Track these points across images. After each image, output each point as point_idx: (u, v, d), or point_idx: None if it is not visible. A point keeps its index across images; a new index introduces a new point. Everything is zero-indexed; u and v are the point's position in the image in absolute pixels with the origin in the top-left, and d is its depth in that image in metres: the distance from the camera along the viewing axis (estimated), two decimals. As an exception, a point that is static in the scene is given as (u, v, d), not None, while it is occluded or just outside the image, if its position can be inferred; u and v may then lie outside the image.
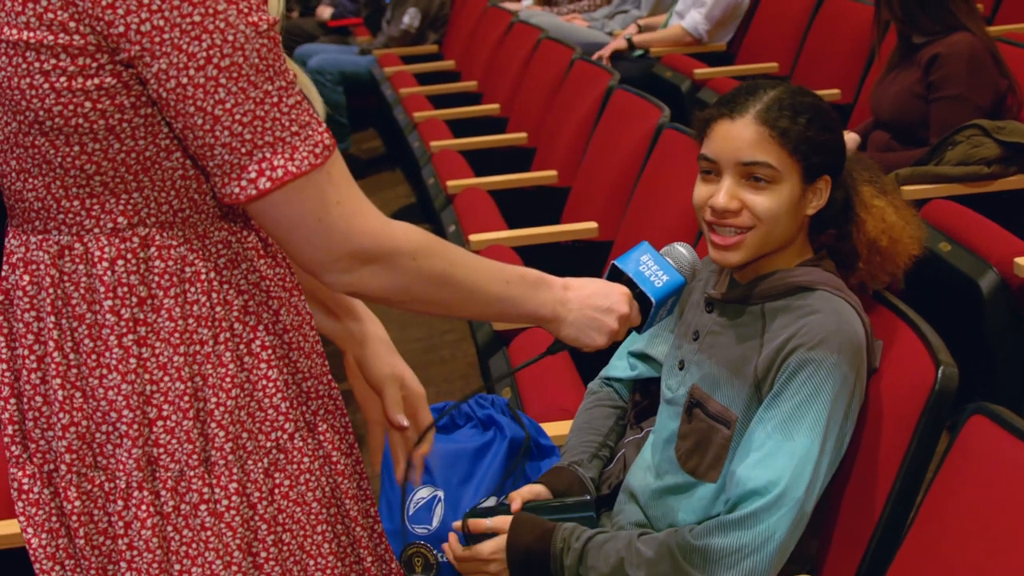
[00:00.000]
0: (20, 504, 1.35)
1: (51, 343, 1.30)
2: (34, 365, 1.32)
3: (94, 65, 1.21)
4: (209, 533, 1.32)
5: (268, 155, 1.23)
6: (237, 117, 1.21)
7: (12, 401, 1.35)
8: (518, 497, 1.90)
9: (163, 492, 1.31)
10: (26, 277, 1.31)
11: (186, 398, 1.30)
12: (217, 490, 1.32)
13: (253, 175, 1.23)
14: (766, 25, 5.58)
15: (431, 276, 1.36)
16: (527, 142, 4.66)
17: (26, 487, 1.34)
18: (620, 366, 2.15)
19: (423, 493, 1.95)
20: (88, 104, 1.22)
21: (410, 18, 6.83)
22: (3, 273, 1.36)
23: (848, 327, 1.73)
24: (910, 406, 1.73)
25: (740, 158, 1.76)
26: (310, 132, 1.25)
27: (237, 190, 1.24)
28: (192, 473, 1.31)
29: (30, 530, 1.34)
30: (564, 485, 1.96)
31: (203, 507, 1.32)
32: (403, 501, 1.95)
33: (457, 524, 1.88)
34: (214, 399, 1.32)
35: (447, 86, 5.86)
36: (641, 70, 5.49)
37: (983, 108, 3.45)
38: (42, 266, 1.30)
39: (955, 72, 3.47)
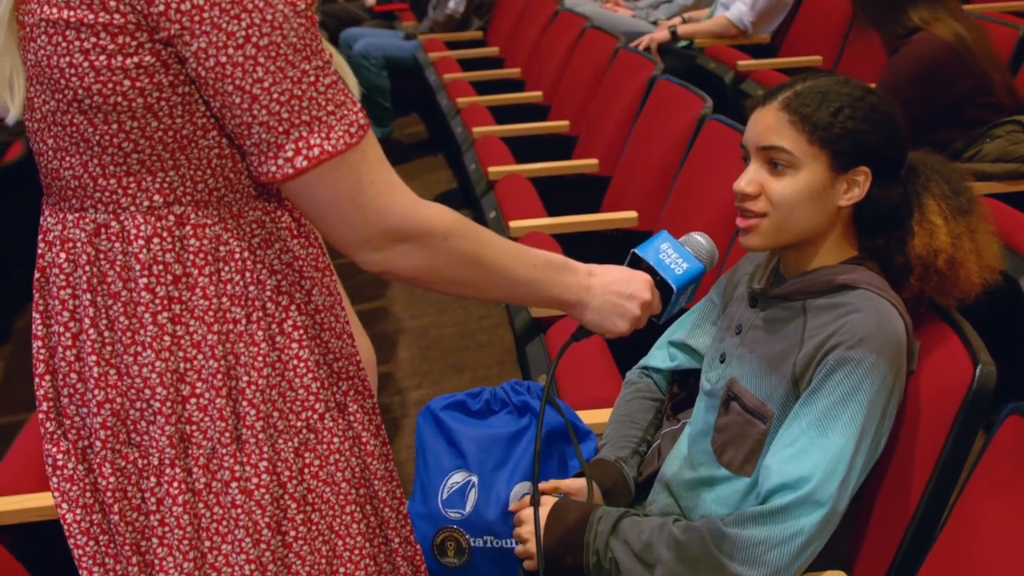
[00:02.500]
0: (55, 480, 1.36)
1: (87, 320, 1.32)
2: (69, 342, 1.34)
3: (133, 44, 1.22)
4: (239, 511, 1.33)
5: (305, 134, 1.24)
6: (275, 96, 1.22)
7: (47, 378, 1.37)
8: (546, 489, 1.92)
9: (195, 469, 1.32)
10: (63, 255, 1.33)
11: (219, 376, 1.32)
12: (248, 468, 1.34)
13: (290, 154, 1.24)
14: (811, 17, 5.55)
15: (462, 257, 1.38)
16: (569, 130, 4.66)
17: (60, 463, 1.36)
18: (660, 356, 2.15)
19: (457, 478, 1.95)
20: (127, 82, 1.23)
21: (455, 3, 6.84)
22: (39, 251, 1.37)
23: (889, 327, 1.72)
24: (947, 404, 1.72)
25: (760, 143, 1.78)
26: (345, 112, 1.27)
27: (274, 168, 1.25)
28: (224, 451, 1.32)
29: (64, 505, 1.36)
30: (610, 482, 1.97)
31: (234, 484, 1.33)
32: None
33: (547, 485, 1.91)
34: (246, 378, 1.33)
35: (490, 72, 5.86)
36: (685, 61, 5.48)
37: (906, 102, 3.41)
38: (79, 244, 1.32)
39: (893, 64, 3.49)
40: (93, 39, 1.22)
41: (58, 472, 1.36)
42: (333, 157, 1.25)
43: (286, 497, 1.36)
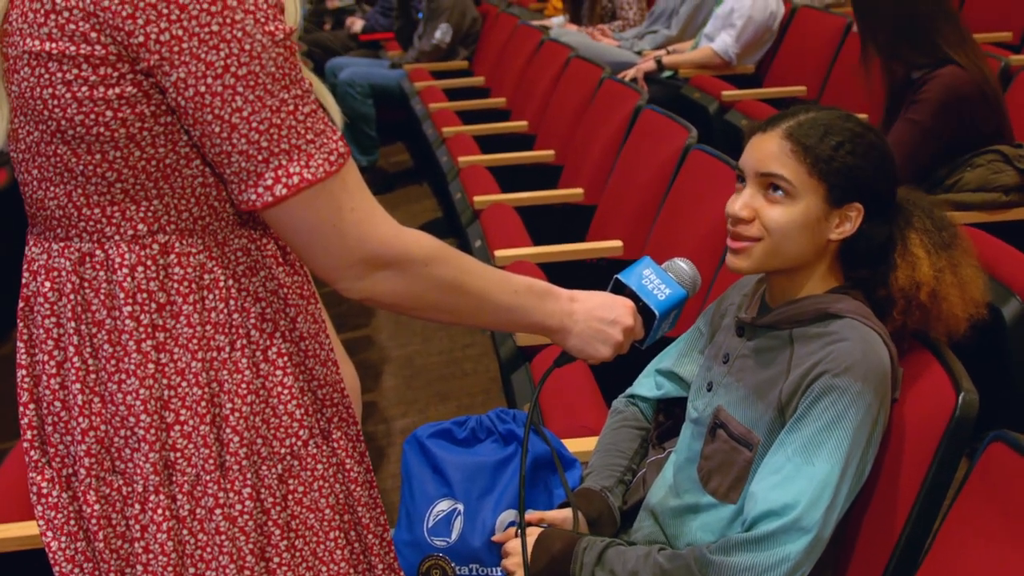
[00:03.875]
0: (39, 508, 1.36)
1: (71, 348, 1.32)
2: (53, 371, 1.34)
3: (115, 75, 1.23)
4: (223, 537, 1.33)
5: (284, 162, 1.25)
6: (254, 125, 1.23)
7: (31, 406, 1.37)
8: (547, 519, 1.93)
9: (179, 496, 1.32)
10: (47, 284, 1.33)
11: (203, 403, 1.32)
12: (232, 495, 1.34)
13: (269, 182, 1.25)
14: (795, 48, 5.58)
15: (442, 283, 1.38)
16: (554, 159, 4.68)
17: (45, 491, 1.36)
18: (647, 384, 2.16)
19: (443, 506, 1.96)
20: (109, 113, 1.24)
21: (442, 33, 6.87)
22: (24, 280, 1.37)
23: (874, 356, 1.73)
24: (930, 432, 1.73)
25: (759, 168, 1.79)
26: (325, 140, 1.27)
27: (254, 197, 1.26)
28: (208, 478, 1.32)
29: (49, 533, 1.36)
30: (596, 512, 1.97)
31: (218, 511, 1.33)
32: None
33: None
34: (229, 405, 1.33)
35: (476, 102, 5.89)
36: (669, 91, 5.51)
37: (941, 139, 3.40)
38: (63, 273, 1.32)
39: (927, 99, 3.41)
40: (75, 70, 1.22)
41: (43, 500, 1.36)
42: (313, 185, 1.26)
43: (270, 524, 1.36)
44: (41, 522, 1.36)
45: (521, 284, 1.50)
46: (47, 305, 1.33)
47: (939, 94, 3.40)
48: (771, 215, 1.77)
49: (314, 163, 1.26)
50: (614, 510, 2.00)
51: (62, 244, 1.32)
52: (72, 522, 1.35)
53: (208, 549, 1.33)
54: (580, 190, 4.15)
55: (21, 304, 1.37)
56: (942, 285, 1.79)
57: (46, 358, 1.34)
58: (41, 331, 1.34)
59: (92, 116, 1.24)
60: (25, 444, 1.37)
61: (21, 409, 1.37)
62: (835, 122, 1.80)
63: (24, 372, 1.37)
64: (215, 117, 1.23)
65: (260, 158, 1.24)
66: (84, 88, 1.23)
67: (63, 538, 1.35)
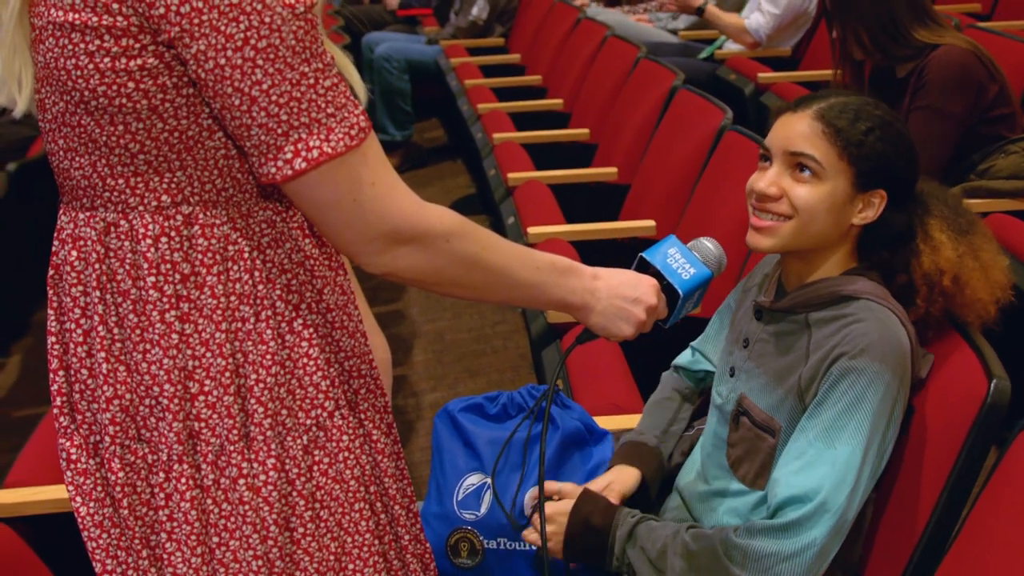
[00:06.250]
0: (69, 473, 1.38)
1: (96, 317, 1.33)
2: (80, 339, 1.35)
3: (136, 46, 1.23)
4: (247, 507, 1.34)
5: (304, 136, 1.25)
6: (274, 98, 1.23)
7: (61, 373, 1.38)
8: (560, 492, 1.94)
9: (203, 466, 1.33)
10: (74, 253, 1.34)
11: (227, 374, 1.33)
12: (256, 465, 1.34)
13: (289, 155, 1.25)
14: (833, 31, 5.54)
15: (464, 258, 1.38)
16: (589, 138, 4.67)
17: (74, 457, 1.37)
18: (686, 354, 2.20)
19: (473, 479, 1.97)
20: (131, 84, 1.25)
21: (478, 10, 6.86)
22: (54, 248, 1.38)
23: (892, 335, 1.73)
24: (960, 418, 1.72)
25: (788, 147, 1.78)
26: (346, 114, 1.27)
27: (274, 170, 1.26)
28: (232, 448, 1.33)
29: (79, 499, 1.37)
30: (651, 469, 2.00)
31: (241, 481, 1.34)
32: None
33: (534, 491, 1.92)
34: (254, 376, 1.34)
35: (512, 79, 5.88)
36: (706, 72, 5.49)
37: (956, 116, 3.37)
38: (89, 242, 1.33)
39: (929, 81, 3.38)
40: (97, 41, 1.23)
41: (72, 466, 1.37)
42: (332, 159, 1.26)
43: (294, 494, 1.37)
44: (70, 487, 1.37)
45: (544, 260, 1.50)
46: (74, 274, 1.34)
47: (940, 72, 3.37)
48: (799, 193, 1.77)
49: (334, 137, 1.26)
50: (664, 461, 2.02)
51: (88, 214, 1.33)
52: (99, 488, 1.36)
53: (232, 519, 1.34)
54: (614, 169, 4.14)
55: (51, 272, 1.38)
56: (964, 270, 1.79)
57: (73, 326, 1.35)
58: (68, 299, 1.35)
59: (115, 87, 1.25)
60: (55, 410, 1.38)
61: (51, 376, 1.38)
62: (865, 108, 1.80)
63: (54, 339, 1.38)
64: (235, 90, 1.23)
65: (280, 131, 1.25)
66: (107, 59, 1.24)
67: (91, 503, 1.36)
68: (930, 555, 1.73)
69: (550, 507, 1.88)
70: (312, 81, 1.24)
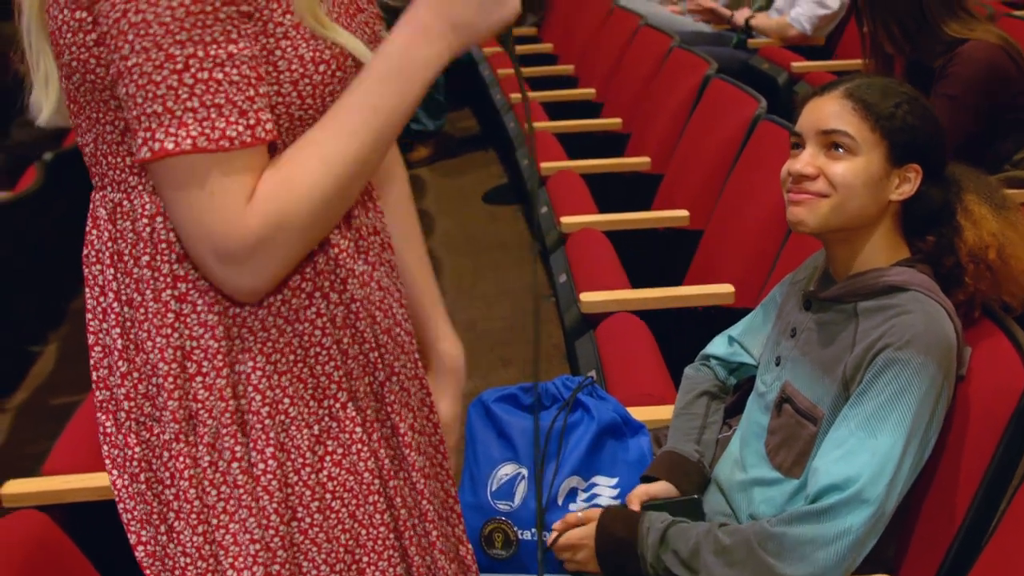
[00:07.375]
0: (105, 447, 1.37)
1: (111, 294, 1.32)
2: (102, 315, 1.35)
3: (89, 18, 1.20)
4: (242, 492, 1.32)
5: (153, 125, 1.16)
6: (135, 76, 1.16)
7: (96, 348, 1.38)
8: (635, 498, 1.94)
9: (201, 447, 1.31)
10: (94, 231, 1.34)
11: (219, 357, 1.30)
12: (253, 453, 1.32)
13: (139, 141, 1.18)
14: (868, 20, 5.51)
15: (310, 203, 1.23)
16: (621, 128, 4.66)
17: (109, 430, 1.37)
18: (720, 343, 2.18)
19: (507, 470, 1.97)
20: (93, 60, 1.22)
21: (511, -1, 6.84)
22: (87, 227, 1.39)
23: (938, 328, 1.72)
24: (998, 410, 1.71)
25: (820, 126, 1.80)
26: (215, 115, 1.17)
27: (135, 151, 1.20)
28: (225, 431, 1.31)
29: (115, 471, 1.37)
30: (693, 487, 1.98)
31: (235, 465, 1.31)
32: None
33: (558, 525, 1.91)
34: (251, 362, 1.31)
35: (544, 69, 5.87)
36: (739, 61, 5.47)
37: (974, 108, 3.34)
38: (102, 221, 1.32)
39: (953, 73, 3.37)
40: (67, 12, 1.21)
41: (108, 439, 1.37)
42: (173, 156, 1.17)
43: (300, 484, 1.34)
44: (107, 460, 1.38)
45: (366, 92, 1.25)
46: (93, 253, 1.34)
47: (967, 68, 3.36)
48: (836, 170, 1.78)
49: (184, 132, 1.16)
50: (695, 462, 2.01)
51: (100, 193, 1.32)
52: (132, 463, 1.37)
53: (230, 502, 1.32)
54: (647, 159, 4.13)
55: (85, 250, 1.38)
56: (1008, 243, 1.80)
57: (94, 303, 1.35)
58: (90, 277, 1.36)
59: (79, 61, 1.23)
60: (93, 384, 1.39)
61: (90, 351, 1.38)
62: (891, 85, 1.83)
63: (90, 315, 1.38)
64: (114, 60, 1.18)
65: (134, 113, 1.17)
66: (77, 33, 1.22)
67: (125, 476, 1.37)
68: (966, 551, 1.73)
69: (575, 534, 1.89)
70: (179, 67, 1.15)
